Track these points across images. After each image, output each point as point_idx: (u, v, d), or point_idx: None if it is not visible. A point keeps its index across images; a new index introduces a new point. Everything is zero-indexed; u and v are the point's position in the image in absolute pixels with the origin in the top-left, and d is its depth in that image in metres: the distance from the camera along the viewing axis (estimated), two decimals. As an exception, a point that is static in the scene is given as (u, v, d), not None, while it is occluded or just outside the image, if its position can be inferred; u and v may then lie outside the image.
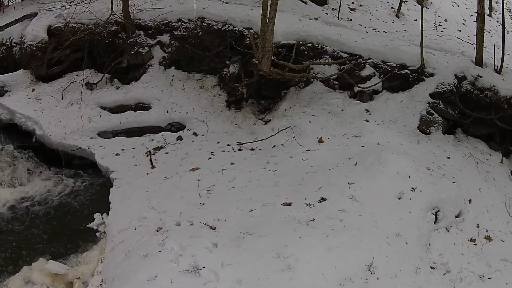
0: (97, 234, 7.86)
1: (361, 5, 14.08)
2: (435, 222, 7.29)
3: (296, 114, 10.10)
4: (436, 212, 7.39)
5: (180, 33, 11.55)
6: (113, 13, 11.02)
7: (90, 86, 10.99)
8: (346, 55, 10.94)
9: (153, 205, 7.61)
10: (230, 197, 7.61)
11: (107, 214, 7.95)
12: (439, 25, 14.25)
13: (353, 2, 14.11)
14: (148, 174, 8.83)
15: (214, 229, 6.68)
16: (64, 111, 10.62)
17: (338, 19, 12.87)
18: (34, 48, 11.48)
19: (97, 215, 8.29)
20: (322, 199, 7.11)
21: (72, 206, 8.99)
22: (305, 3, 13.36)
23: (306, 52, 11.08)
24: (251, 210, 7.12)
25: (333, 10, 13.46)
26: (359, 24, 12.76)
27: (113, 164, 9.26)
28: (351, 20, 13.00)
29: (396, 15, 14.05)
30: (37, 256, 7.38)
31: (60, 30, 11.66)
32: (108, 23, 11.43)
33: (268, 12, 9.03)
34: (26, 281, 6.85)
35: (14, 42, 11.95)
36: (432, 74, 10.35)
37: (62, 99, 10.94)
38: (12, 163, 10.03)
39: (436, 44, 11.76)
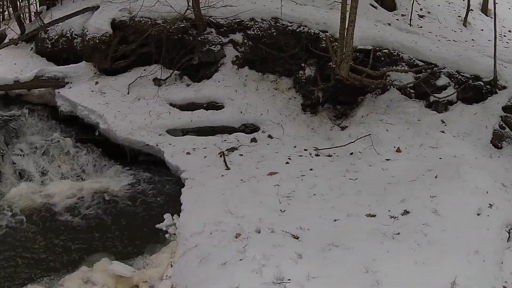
0: (167, 235, 7.27)
1: (429, 12, 13.38)
2: (507, 240, 6.79)
3: (373, 122, 9.64)
4: (509, 230, 6.89)
5: (253, 32, 10.90)
6: (189, 8, 10.47)
7: (158, 82, 10.53)
8: (422, 63, 10.31)
9: (230, 209, 7.02)
10: (311, 205, 7.18)
11: (178, 215, 7.41)
12: (504, 35, 13.47)
13: (421, 9, 13.40)
14: (222, 176, 8.19)
15: (297, 238, 6.27)
16: (130, 106, 10.03)
17: (410, 25, 12.13)
18: (97, 41, 10.99)
19: (167, 216, 7.71)
20: (406, 212, 6.82)
21: (138, 204, 8.36)
22: (375, 8, 12.65)
23: (382, 58, 10.44)
24: (335, 220, 6.72)
25: (403, 16, 12.76)
26: (430, 32, 12.04)
27: (184, 163, 8.67)
28: (421, 27, 12.28)
29: (463, 24, 13.29)
30: (99, 255, 6.89)
31: (125, 24, 11.21)
32: (177, 19, 10.71)
33: (348, 15, 8.44)
34: (85, 280, 6.32)
35: (75, 34, 11.56)
36: (504, 87, 9.71)
37: (128, 93, 10.38)
38: (73, 156, 9.61)
39: (504, 56, 11.02)
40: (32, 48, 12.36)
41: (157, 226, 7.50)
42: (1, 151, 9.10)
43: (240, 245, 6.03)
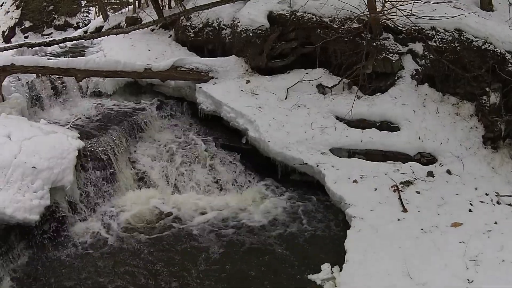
0: (322, 292, 5.67)
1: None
2: None
3: None
4: None
5: (435, 44, 9.07)
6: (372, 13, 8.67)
7: (323, 89, 9.01)
8: None
9: (409, 270, 5.53)
10: (501, 275, 5.53)
11: (340, 267, 5.87)
12: None
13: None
14: (399, 220, 6.55)
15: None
16: (288, 114, 8.55)
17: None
18: (250, 34, 9.60)
19: (325, 266, 6.06)
20: None
21: (286, 239, 6.81)
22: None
23: None
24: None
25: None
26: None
27: (349, 194, 7.08)
28: None
29: None
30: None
31: (284, 18, 9.76)
32: (347, 18, 8.86)
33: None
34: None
35: (224, 24, 10.38)
36: None
37: (285, 98, 8.88)
38: (211, 164, 8.38)
39: None
40: (170, 35, 11.26)
41: (310, 277, 5.97)
42: (122, 146, 8.11)
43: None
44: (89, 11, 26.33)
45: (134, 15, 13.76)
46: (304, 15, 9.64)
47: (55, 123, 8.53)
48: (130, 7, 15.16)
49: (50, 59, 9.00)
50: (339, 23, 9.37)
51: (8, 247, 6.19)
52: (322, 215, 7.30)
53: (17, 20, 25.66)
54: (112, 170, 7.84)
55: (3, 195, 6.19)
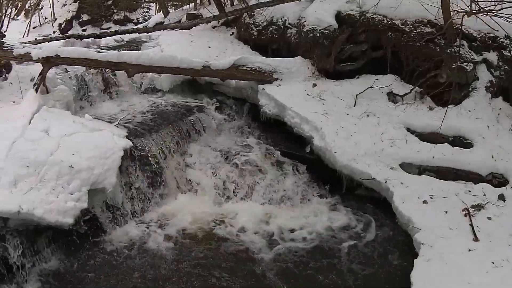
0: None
1: None
2: None
3: None
4: None
5: (509, 54, 8.62)
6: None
7: (393, 97, 8.64)
8: None
9: None
10: None
11: None
12: None
13: None
14: (470, 250, 6.03)
15: None
16: (356, 123, 8.17)
17: None
18: (318, 35, 9.29)
19: None
20: None
21: (345, 260, 6.47)
22: None
23: None
24: None
25: None
26: None
27: (418, 216, 6.55)
28: None
29: None
30: None
31: (354, 19, 9.41)
32: (420, 22, 8.49)
33: None
34: None
35: (289, 23, 10.02)
36: None
37: (354, 105, 8.52)
38: (274, 174, 8.01)
39: None
40: (233, 33, 11.07)
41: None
42: (173, 148, 7.89)
43: None
44: (150, 7, 26.28)
45: (195, 12, 13.55)
46: (375, 16, 9.29)
47: (102, 119, 8.15)
48: (192, 5, 14.93)
49: (99, 52, 8.58)
50: (411, 26, 8.97)
51: (37, 249, 5.96)
52: (386, 237, 6.91)
53: (74, 13, 25.81)
54: (161, 174, 7.54)
55: (34, 195, 5.89)
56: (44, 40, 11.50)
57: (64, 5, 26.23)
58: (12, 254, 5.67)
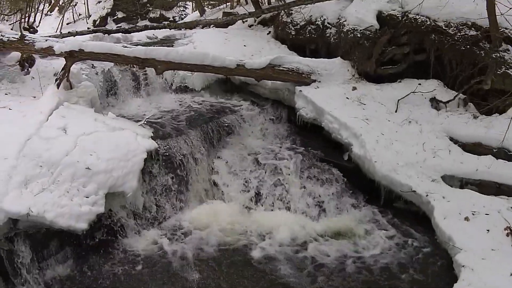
0: None
1: None
2: None
3: None
4: None
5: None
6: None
7: (436, 104, 8.29)
8: None
9: None
10: None
11: None
12: None
13: None
14: (511, 275, 5.64)
15: None
16: (398, 130, 7.82)
17: None
18: (358, 35, 9.05)
19: None
20: None
21: (377, 279, 6.09)
22: None
23: None
24: None
25: None
26: None
27: (460, 235, 6.10)
28: None
29: None
30: None
31: (395, 20, 9.09)
32: (464, 24, 8.11)
33: None
34: None
35: (328, 23, 9.78)
36: None
37: (396, 111, 8.19)
38: (309, 184, 7.74)
39: None
40: (269, 32, 10.86)
41: None
42: (202, 151, 7.62)
43: None
44: (186, 6, 26.13)
45: (232, 10, 13.36)
46: (417, 17, 8.95)
47: (128, 118, 7.87)
48: (229, 4, 14.76)
49: (126, 47, 8.21)
50: (455, 28, 8.63)
51: (47, 253, 5.74)
52: (424, 256, 6.52)
53: (109, 10, 25.78)
54: (187, 179, 7.26)
55: (45, 197, 5.57)
56: (70, 34, 11.28)
57: (99, 1, 26.26)
58: (20, 258, 5.43)
